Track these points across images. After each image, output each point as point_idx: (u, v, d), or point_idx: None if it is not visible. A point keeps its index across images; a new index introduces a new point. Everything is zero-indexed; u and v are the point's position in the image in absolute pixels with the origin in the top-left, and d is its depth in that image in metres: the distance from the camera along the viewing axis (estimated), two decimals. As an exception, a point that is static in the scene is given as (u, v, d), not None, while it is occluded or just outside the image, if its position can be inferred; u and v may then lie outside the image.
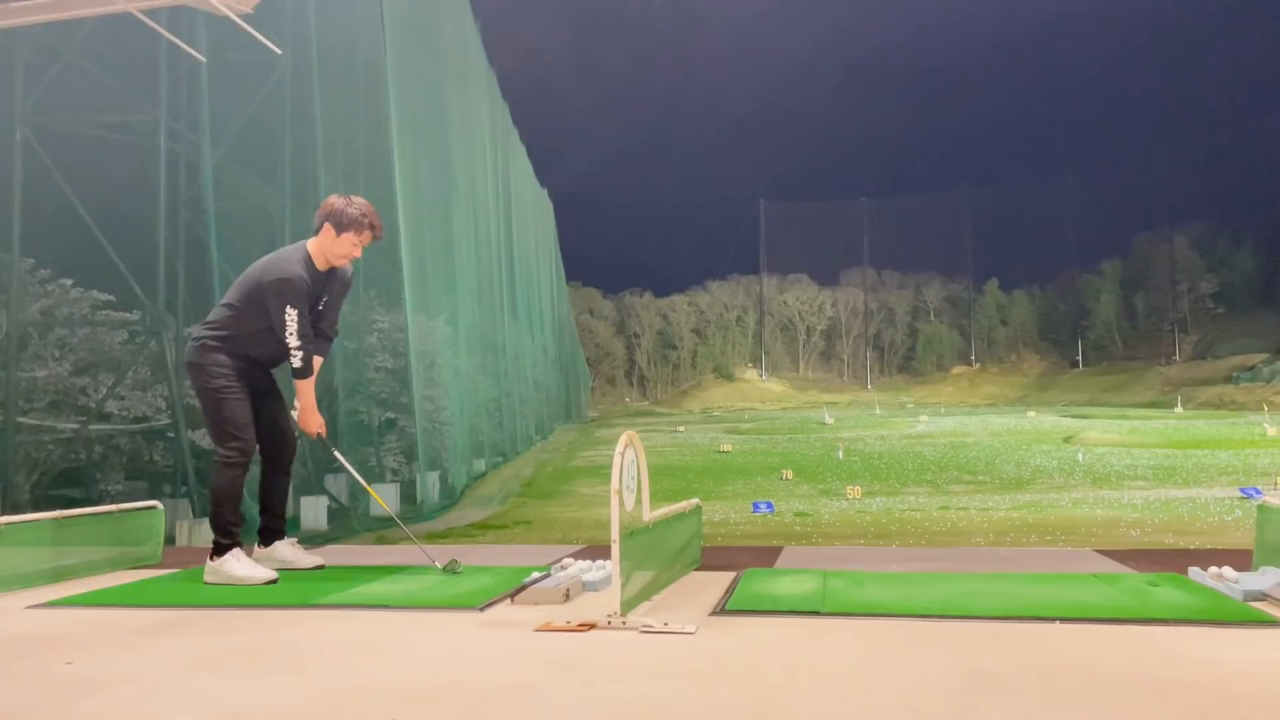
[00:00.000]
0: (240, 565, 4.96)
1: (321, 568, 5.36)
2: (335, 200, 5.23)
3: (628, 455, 3.85)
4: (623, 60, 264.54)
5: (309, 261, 5.21)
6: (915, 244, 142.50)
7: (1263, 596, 3.95)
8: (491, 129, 43.48)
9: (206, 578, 4.96)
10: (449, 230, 31.98)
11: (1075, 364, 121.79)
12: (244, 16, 6.60)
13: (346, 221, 5.15)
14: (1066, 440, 46.93)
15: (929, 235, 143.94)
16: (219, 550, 4.98)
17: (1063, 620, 3.67)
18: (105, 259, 19.46)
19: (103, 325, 20.64)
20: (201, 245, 20.66)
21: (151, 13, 6.76)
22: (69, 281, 19.98)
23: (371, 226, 5.23)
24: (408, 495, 27.26)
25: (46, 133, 18.96)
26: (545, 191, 70.84)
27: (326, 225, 5.18)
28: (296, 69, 23.29)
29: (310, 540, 5.55)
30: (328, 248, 5.21)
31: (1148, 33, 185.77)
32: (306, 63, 23.95)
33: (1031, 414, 71.89)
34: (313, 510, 21.88)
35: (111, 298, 20.46)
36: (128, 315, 20.61)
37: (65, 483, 20.88)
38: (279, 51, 7.71)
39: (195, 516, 19.51)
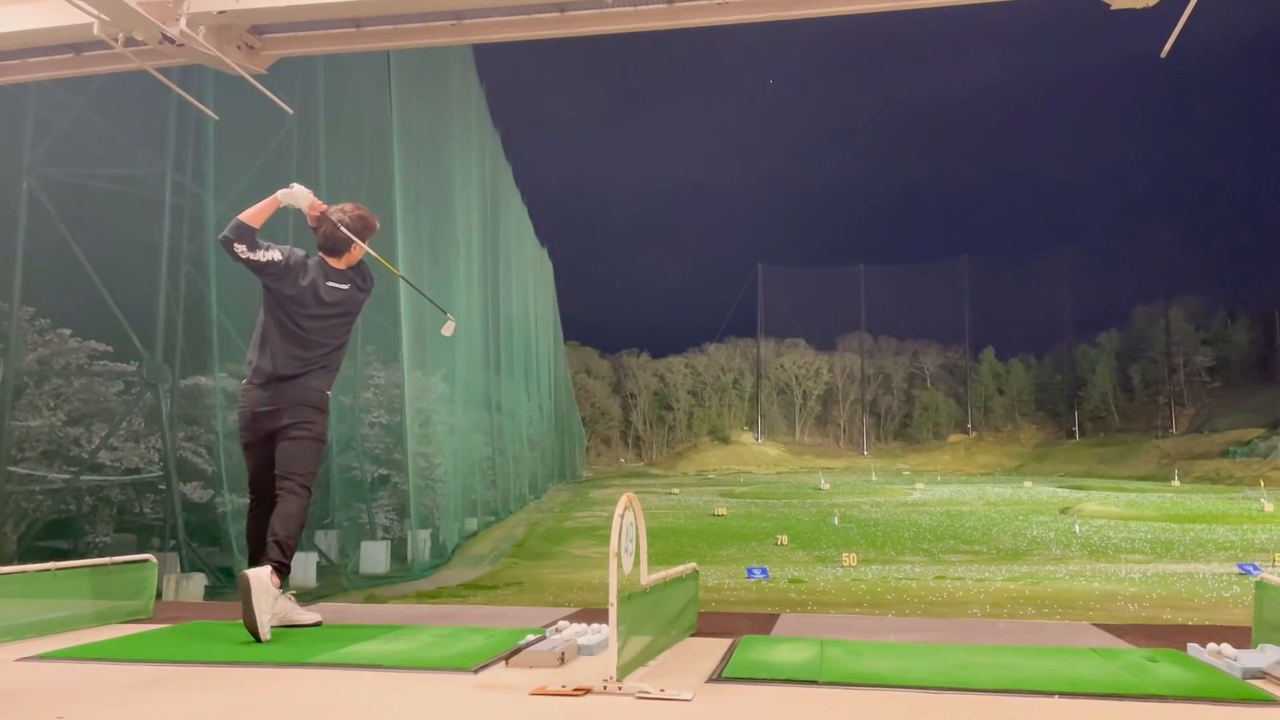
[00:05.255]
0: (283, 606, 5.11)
1: (319, 624, 5.31)
2: None
3: (627, 517, 3.84)
4: (624, 122, 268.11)
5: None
6: (912, 311, 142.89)
7: (1262, 674, 3.92)
8: (493, 188, 43.93)
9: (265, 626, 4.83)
10: (449, 286, 32.18)
11: (1072, 434, 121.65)
12: (256, 76, 6.71)
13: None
14: (1063, 512, 46.77)
15: (926, 302, 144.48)
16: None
17: (1061, 695, 3.63)
18: (105, 309, 19.55)
19: (99, 375, 20.64)
20: (202, 298, 20.76)
21: (164, 69, 6.86)
22: (68, 331, 20.02)
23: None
24: (398, 553, 27.04)
25: (52, 184, 19.15)
26: (545, 250, 71.37)
27: None
28: (303, 127, 23.61)
29: (299, 597, 5.49)
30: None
31: (1148, 106, 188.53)
32: (313, 121, 24.29)
33: (1028, 484, 71.72)
34: (301, 567, 21.70)
35: (109, 348, 20.48)
36: (125, 366, 20.62)
37: (53, 533, 20.71)
38: (291, 112, 7.82)
39: (184, 570, 19.34)
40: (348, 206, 5.63)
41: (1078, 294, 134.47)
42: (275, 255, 5.39)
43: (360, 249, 5.60)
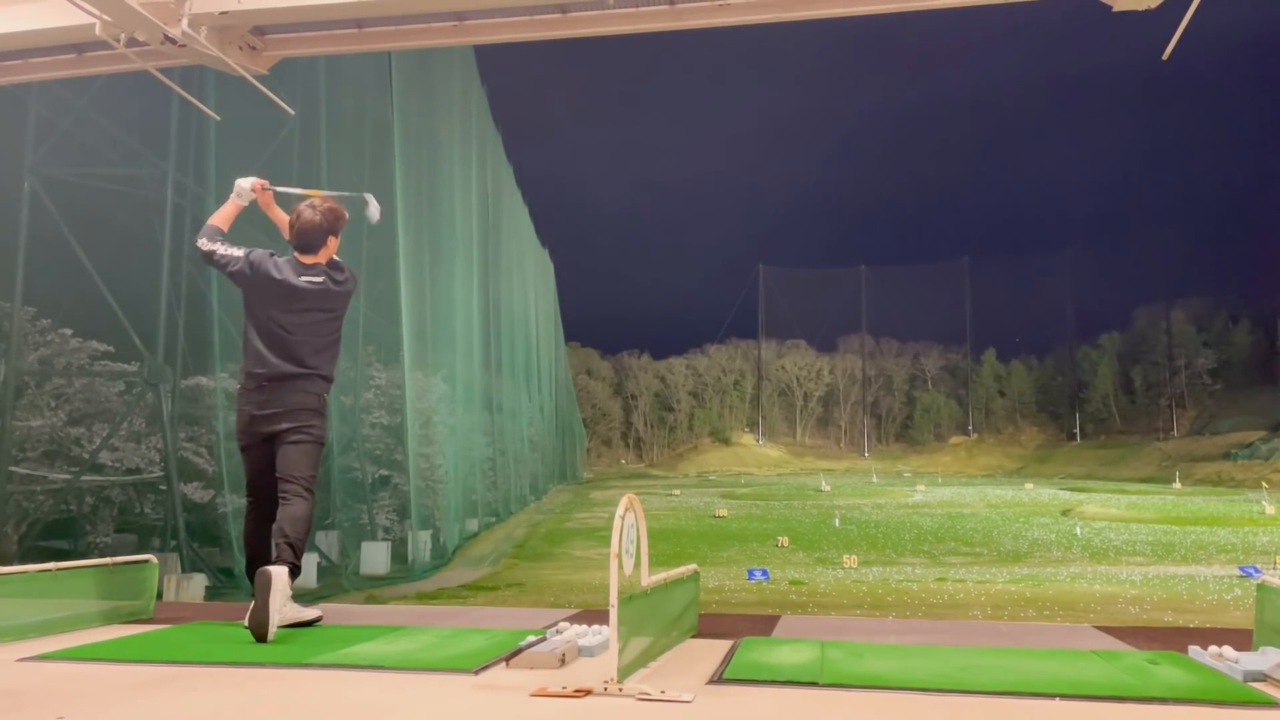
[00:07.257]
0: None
1: (319, 619, 5.31)
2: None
3: (628, 519, 3.84)
4: (625, 123, 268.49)
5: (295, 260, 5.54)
6: (913, 312, 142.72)
7: (1263, 677, 3.92)
8: (494, 188, 43.94)
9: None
10: (450, 288, 32.18)
11: (1073, 436, 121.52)
12: (258, 77, 6.71)
13: None
14: (1064, 513, 46.75)
15: (927, 304, 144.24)
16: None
17: (1063, 697, 3.63)
18: (106, 309, 19.55)
19: (100, 375, 20.63)
20: (203, 298, 20.76)
21: (166, 70, 6.87)
22: (69, 331, 20.01)
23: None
24: (399, 554, 27.03)
25: (54, 184, 19.15)
26: (546, 251, 71.40)
27: None
28: (305, 127, 23.61)
29: (298, 598, 5.49)
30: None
31: (1151, 109, 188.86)
32: (315, 121, 24.29)
33: (1029, 486, 71.71)
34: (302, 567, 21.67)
35: (110, 348, 20.47)
36: (126, 366, 20.61)
37: (54, 534, 20.71)
38: (292, 112, 7.83)
39: (184, 571, 19.34)
40: (316, 201, 5.59)
41: (1080, 295, 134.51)
42: (236, 253, 5.40)
43: (335, 242, 5.59)
